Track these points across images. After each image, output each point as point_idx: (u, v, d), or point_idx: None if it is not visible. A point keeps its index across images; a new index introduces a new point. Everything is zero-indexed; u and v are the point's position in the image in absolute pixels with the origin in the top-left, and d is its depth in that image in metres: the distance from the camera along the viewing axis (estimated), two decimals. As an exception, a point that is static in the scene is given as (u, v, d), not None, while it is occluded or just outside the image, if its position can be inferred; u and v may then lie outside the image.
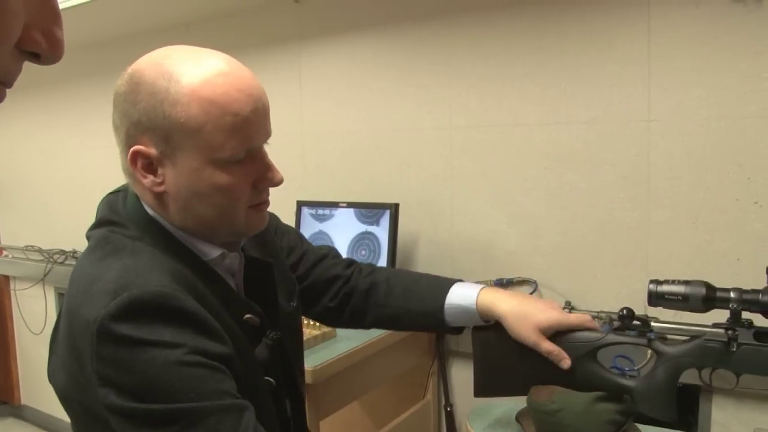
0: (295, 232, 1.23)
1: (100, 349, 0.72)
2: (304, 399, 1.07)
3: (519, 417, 1.15)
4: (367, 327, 1.18)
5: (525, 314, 1.01)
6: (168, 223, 0.85)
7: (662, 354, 0.99)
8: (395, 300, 1.12)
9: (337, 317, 1.19)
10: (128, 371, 0.71)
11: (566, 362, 1.00)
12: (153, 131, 0.79)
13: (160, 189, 0.82)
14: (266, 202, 0.90)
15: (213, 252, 0.87)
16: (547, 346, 1.00)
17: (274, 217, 1.16)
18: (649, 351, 1.01)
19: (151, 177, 0.82)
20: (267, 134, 0.87)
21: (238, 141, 0.80)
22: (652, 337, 0.99)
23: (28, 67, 0.48)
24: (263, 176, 0.86)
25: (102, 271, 0.77)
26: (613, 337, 1.00)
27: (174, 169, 0.80)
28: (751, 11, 1.53)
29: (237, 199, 0.84)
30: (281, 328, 0.96)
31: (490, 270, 1.96)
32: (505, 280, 1.92)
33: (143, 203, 0.86)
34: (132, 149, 0.81)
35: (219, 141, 0.79)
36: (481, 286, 1.09)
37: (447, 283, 1.11)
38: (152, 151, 0.80)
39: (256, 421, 0.76)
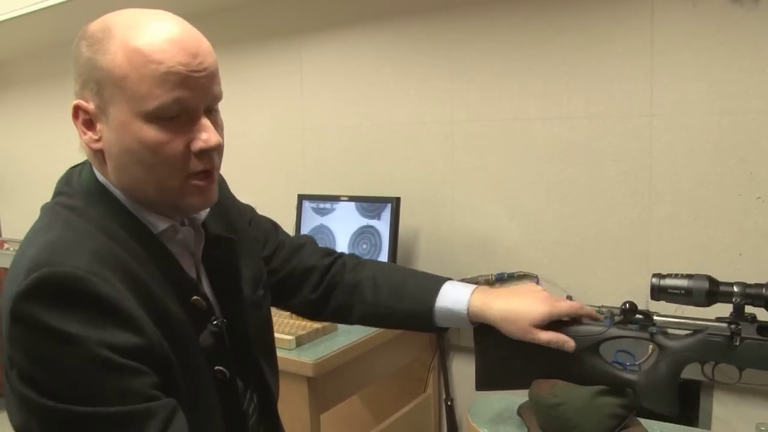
0: (271, 222, 1.18)
1: (12, 330, 0.70)
2: (274, 394, 1.02)
3: (520, 411, 1.15)
4: (352, 323, 1.14)
5: (516, 315, 0.99)
6: (119, 191, 0.82)
7: (665, 348, 0.98)
8: (384, 299, 1.08)
9: (319, 310, 1.14)
10: (32, 360, 0.69)
11: (570, 345, 0.97)
12: (90, 85, 0.78)
13: (98, 146, 0.80)
14: (208, 174, 0.83)
15: (161, 224, 0.83)
16: (545, 336, 0.98)
17: (249, 208, 1.13)
18: (651, 345, 1.00)
19: (90, 133, 0.80)
20: (209, 96, 0.81)
21: (162, 92, 0.76)
22: (655, 331, 0.99)
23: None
24: (197, 137, 0.79)
25: (28, 246, 0.76)
26: (615, 331, 1.00)
27: (107, 124, 0.78)
28: (749, 11, 1.52)
29: (167, 159, 0.78)
30: (243, 316, 0.93)
31: (491, 264, 1.95)
32: (506, 275, 1.92)
33: (95, 172, 0.84)
34: (73, 103, 0.80)
35: (143, 91, 0.75)
36: (472, 287, 1.05)
37: (436, 284, 1.07)
38: (90, 105, 0.79)
39: (171, 422, 0.73)
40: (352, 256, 1.18)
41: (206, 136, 0.80)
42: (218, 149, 0.83)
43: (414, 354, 2.01)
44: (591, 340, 1.00)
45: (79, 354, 0.68)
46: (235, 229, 0.99)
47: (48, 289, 0.69)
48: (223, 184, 1.05)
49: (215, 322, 0.86)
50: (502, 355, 1.06)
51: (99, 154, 0.82)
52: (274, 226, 1.17)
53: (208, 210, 0.91)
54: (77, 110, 0.80)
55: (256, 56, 2.45)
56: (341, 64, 2.23)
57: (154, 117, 0.77)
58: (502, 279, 1.93)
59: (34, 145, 3.41)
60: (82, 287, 0.70)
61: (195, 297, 0.84)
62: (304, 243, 1.16)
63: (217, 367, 0.86)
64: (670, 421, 1.16)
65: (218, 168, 0.86)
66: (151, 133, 0.77)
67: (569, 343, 0.98)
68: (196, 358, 0.82)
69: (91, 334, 0.69)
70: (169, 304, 0.79)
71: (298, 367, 1.52)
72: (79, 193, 0.83)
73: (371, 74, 2.16)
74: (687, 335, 0.98)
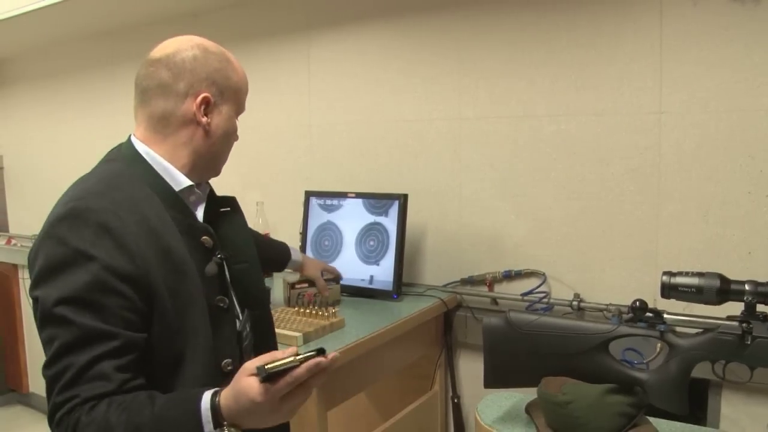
0: None
1: (42, 242, 0.95)
2: (271, 323, 1.27)
3: (529, 409, 1.14)
4: None
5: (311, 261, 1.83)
6: (156, 157, 1.07)
7: (675, 346, 0.98)
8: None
9: None
10: (48, 266, 0.92)
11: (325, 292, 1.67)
12: (215, 86, 1.09)
13: (206, 124, 1.09)
14: None
15: (185, 181, 1.08)
16: (319, 281, 1.84)
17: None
18: (659, 344, 1.00)
19: (206, 117, 1.08)
20: None
21: (243, 105, 1.18)
22: (664, 329, 0.99)
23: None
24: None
25: (71, 189, 1.02)
26: (625, 329, 1.00)
27: (219, 115, 1.11)
28: (749, 10, 1.51)
29: (232, 144, 1.17)
30: (246, 254, 1.19)
31: (498, 261, 1.95)
32: (513, 272, 1.91)
33: (135, 144, 1.09)
34: (202, 94, 1.07)
35: (242, 101, 1.16)
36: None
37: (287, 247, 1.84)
38: (212, 99, 1.09)
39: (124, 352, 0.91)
40: None
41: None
42: None
43: (421, 351, 2.00)
44: (600, 338, 1.00)
45: (86, 268, 0.91)
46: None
47: (76, 215, 0.94)
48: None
49: (219, 255, 1.08)
50: (511, 353, 1.06)
51: (202, 130, 1.08)
52: None
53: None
54: (204, 100, 1.07)
55: (264, 53, 2.45)
56: (349, 61, 2.23)
57: (236, 118, 1.16)
58: (509, 276, 1.92)
59: (43, 141, 3.42)
60: (96, 217, 0.94)
61: (204, 236, 1.07)
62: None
63: (218, 297, 1.07)
64: (679, 420, 1.15)
65: None
66: (236, 127, 1.16)
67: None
68: (195, 287, 1.01)
69: (98, 253, 0.91)
70: (172, 242, 1.00)
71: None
72: (120, 158, 1.08)
73: (379, 71, 2.16)
74: (697, 334, 0.98)
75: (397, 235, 1.95)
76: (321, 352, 0.89)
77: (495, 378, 1.08)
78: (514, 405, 1.20)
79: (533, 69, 1.84)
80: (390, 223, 1.97)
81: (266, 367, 0.85)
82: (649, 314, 0.99)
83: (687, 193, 1.64)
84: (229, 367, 1.06)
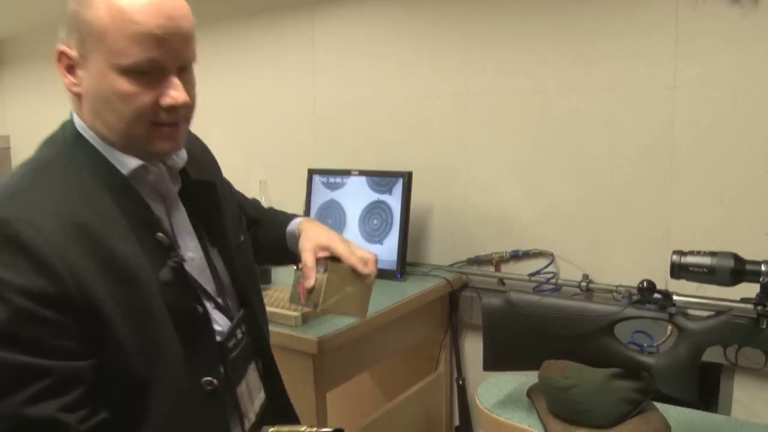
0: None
1: None
2: (265, 332, 1.11)
3: (530, 393, 1.10)
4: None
5: (306, 234, 1.15)
6: (94, 136, 0.89)
7: (684, 330, 0.93)
8: (262, 234, 1.25)
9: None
10: None
11: (308, 282, 1.07)
12: (74, 34, 0.85)
13: (77, 90, 0.88)
14: (173, 126, 0.89)
15: (131, 163, 0.88)
16: (305, 255, 1.10)
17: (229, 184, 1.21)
18: (670, 326, 0.95)
19: (71, 77, 0.88)
20: (182, 58, 0.87)
21: (138, 51, 0.82)
22: (674, 311, 0.93)
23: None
24: (166, 93, 0.86)
25: None
26: (632, 311, 0.95)
27: (87, 72, 0.85)
28: (749, 12, 1.45)
29: (136, 110, 0.85)
30: (229, 253, 1.02)
31: (505, 241, 1.90)
32: (520, 252, 1.86)
33: (75, 120, 0.91)
34: (58, 49, 0.87)
35: (120, 47, 0.82)
36: (300, 218, 1.25)
37: (292, 216, 1.27)
38: (73, 53, 0.86)
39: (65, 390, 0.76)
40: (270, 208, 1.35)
41: (175, 93, 0.86)
42: (186, 106, 0.88)
43: (425, 332, 1.96)
44: (606, 320, 0.95)
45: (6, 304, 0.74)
46: (216, 181, 1.06)
47: None
48: (209, 153, 1.14)
49: (175, 258, 0.89)
50: (512, 335, 1.01)
51: (78, 98, 0.89)
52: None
53: (185, 159, 0.97)
54: (61, 55, 0.87)
55: (268, 29, 2.40)
56: (353, 36, 2.17)
57: (128, 71, 0.83)
58: (516, 256, 1.87)
59: (49, 120, 3.38)
60: (6, 232, 0.76)
61: (159, 234, 0.88)
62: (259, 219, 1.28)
63: (177, 303, 0.87)
64: (688, 406, 1.10)
65: (188, 121, 0.93)
66: (124, 85, 0.83)
67: (309, 281, 1.08)
68: (152, 297, 0.84)
69: (10, 277, 0.74)
70: (118, 246, 0.82)
71: (302, 344, 1.48)
72: (60, 140, 0.91)
73: (384, 46, 2.10)
74: (709, 317, 0.92)
75: (401, 213, 1.90)
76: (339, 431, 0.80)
77: (494, 360, 1.03)
78: (516, 389, 1.15)
79: (542, 42, 1.78)
80: (394, 201, 1.92)
81: (271, 429, 0.78)
82: (657, 295, 0.94)
83: (701, 172, 1.58)
84: (210, 387, 0.91)
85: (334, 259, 1.10)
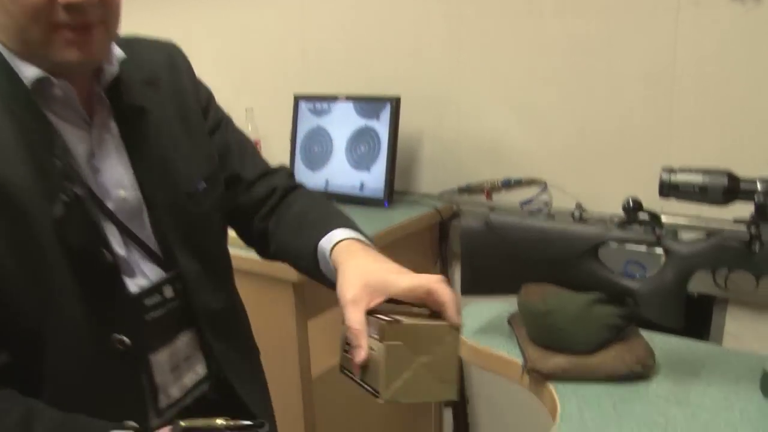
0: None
1: None
2: (207, 303, 0.92)
3: (511, 320, 1.05)
4: (270, 258, 1.03)
5: (352, 268, 0.79)
6: None
7: (673, 253, 0.87)
8: (284, 229, 0.96)
9: (262, 246, 1.04)
10: None
11: (358, 356, 0.71)
12: None
13: None
14: (81, 30, 0.74)
15: (29, 72, 0.75)
16: (349, 312, 0.74)
17: (209, 94, 1.02)
18: (663, 257, 0.89)
19: None
20: None
21: None
22: (662, 233, 0.88)
23: None
24: None
25: None
26: (617, 233, 0.89)
27: None
28: (749, 10, 1.36)
29: (26, 8, 0.70)
30: (167, 206, 0.87)
31: (498, 169, 1.83)
32: (512, 180, 1.80)
33: None
34: None
35: None
36: (357, 234, 0.89)
37: (335, 221, 0.90)
38: None
39: None
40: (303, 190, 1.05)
41: None
42: (94, 4, 0.73)
43: (414, 262, 1.88)
44: (589, 243, 0.89)
45: None
46: (150, 108, 0.88)
47: None
48: (180, 57, 0.98)
49: (69, 191, 0.76)
50: (491, 258, 0.96)
51: None
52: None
53: (116, 72, 0.82)
54: None
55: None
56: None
57: None
58: (508, 185, 1.81)
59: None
60: None
61: (56, 161, 0.75)
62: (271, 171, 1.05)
63: (75, 244, 0.76)
64: (675, 334, 1.06)
65: (107, 26, 0.77)
66: None
67: (360, 351, 0.71)
68: (40, 229, 0.74)
69: None
70: (8, 171, 0.72)
71: (282, 271, 1.44)
72: None
73: (374, -38, 1.98)
74: (699, 239, 0.87)
75: (389, 139, 1.83)
76: (259, 426, 0.69)
77: (473, 285, 0.99)
78: (497, 316, 1.11)
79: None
80: (382, 127, 1.85)
81: (182, 423, 0.67)
82: (645, 217, 0.88)
83: (704, 98, 1.50)
84: (122, 346, 0.80)
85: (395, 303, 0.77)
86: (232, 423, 0.65)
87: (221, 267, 0.99)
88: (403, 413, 2.00)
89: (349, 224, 0.91)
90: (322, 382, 1.61)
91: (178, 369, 0.89)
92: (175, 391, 0.88)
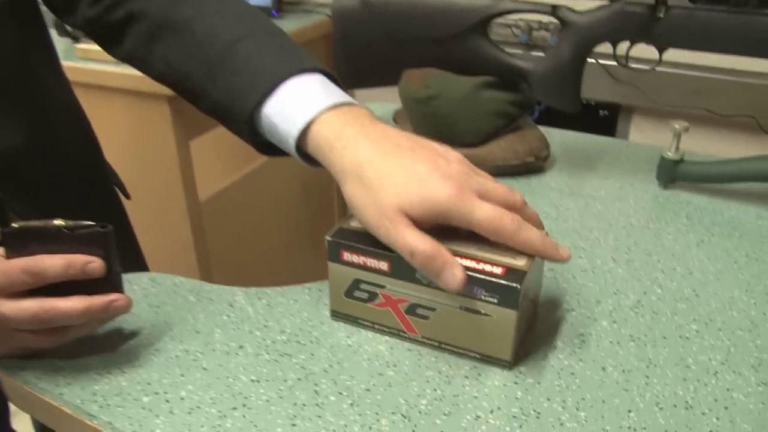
0: None
1: None
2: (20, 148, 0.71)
3: (396, 117, 0.95)
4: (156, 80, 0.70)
5: (379, 187, 0.50)
6: None
7: (570, 24, 0.76)
8: (193, 68, 0.62)
9: (108, 42, 0.70)
10: None
11: (456, 280, 0.48)
12: None
13: None
14: None
15: None
16: (407, 240, 0.48)
17: None
18: (559, 31, 0.78)
19: None
20: None
21: None
22: (559, 4, 0.76)
23: None
24: None
25: None
26: (508, 4, 0.77)
27: None
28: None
29: None
30: None
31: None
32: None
33: None
34: None
35: None
36: (331, 101, 0.54)
37: (280, 71, 0.57)
38: None
39: None
40: None
41: None
42: None
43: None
44: (476, 16, 0.77)
45: None
46: None
47: None
48: None
49: None
50: (367, 43, 0.83)
51: None
52: None
53: None
54: None
55: None
56: None
57: None
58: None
59: None
60: None
61: None
62: None
63: None
64: (572, 128, 0.99)
65: None
66: None
67: (455, 278, 0.48)
68: None
69: None
70: None
71: (156, 85, 1.27)
72: None
73: None
74: (599, 8, 0.76)
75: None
76: (102, 227, 0.51)
77: (349, 76, 0.86)
78: (381, 116, 1.00)
79: None
80: None
81: (15, 224, 0.49)
82: (539, -18, 0.76)
83: None
84: None
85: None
86: (71, 223, 0.52)
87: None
88: (302, 240, 1.94)
89: (296, 64, 0.58)
90: (210, 206, 1.50)
91: None
92: None
